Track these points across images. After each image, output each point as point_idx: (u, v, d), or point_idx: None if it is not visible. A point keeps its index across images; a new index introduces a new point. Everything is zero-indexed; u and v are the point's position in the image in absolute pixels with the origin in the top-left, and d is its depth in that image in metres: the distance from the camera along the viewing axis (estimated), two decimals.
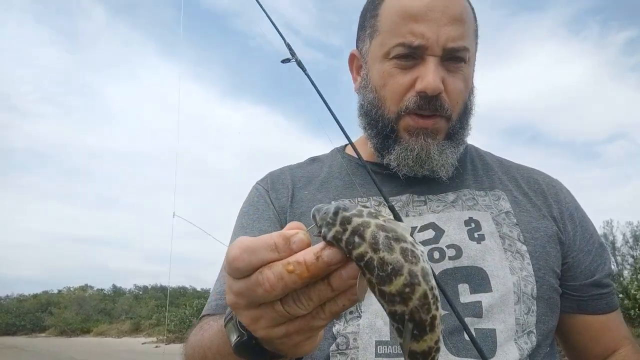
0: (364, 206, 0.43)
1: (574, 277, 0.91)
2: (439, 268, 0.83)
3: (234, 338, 0.53)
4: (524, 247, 0.87)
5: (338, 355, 0.79)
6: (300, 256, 0.42)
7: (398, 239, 0.40)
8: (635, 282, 9.93)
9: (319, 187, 0.97)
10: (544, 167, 1.05)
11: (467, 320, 0.79)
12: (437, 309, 0.40)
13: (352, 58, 1.02)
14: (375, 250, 0.39)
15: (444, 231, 0.87)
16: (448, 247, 0.85)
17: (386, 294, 0.40)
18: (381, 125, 0.91)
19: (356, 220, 0.40)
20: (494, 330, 0.79)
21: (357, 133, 1.03)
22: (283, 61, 0.97)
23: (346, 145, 1.08)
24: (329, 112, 0.87)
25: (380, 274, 0.39)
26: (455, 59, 0.87)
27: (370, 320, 0.80)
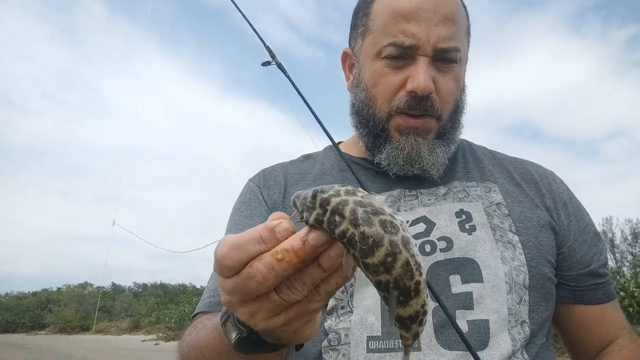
0: (342, 185, 0.44)
1: (570, 267, 0.92)
2: (430, 260, 0.84)
3: (233, 336, 0.53)
4: (516, 237, 0.87)
5: (330, 351, 0.80)
6: (287, 243, 0.43)
7: (376, 212, 0.41)
8: (635, 279, 9.94)
9: (312, 183, 0.98)
10: (544, 164, 1.05)
11: (459, 312, 0.80)
12: (420, 274, 0.42)
13: (344, 56, 1.02)
14: (356, 225, 0.40)
15: (435, 224, 0.87)
16: (439, 239, 0.86)
17: (370, 266, 0.41)
18: (372, 125, 0.92)
19: (334, 200, 0.42)
20: (487, 320, 0.79)
21: (352, 131, 1.03)
22: (264, 64, 0.97)
23: (340, 142, 1.08)
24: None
25: (363, 247, 0.40)
26: (446, 59, 0.87)
27: (362, 316, 0.80)
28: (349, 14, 1.01)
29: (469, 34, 0.95)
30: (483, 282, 0.82)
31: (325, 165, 1.01)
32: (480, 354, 0.74)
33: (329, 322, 0.82)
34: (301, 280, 0.44)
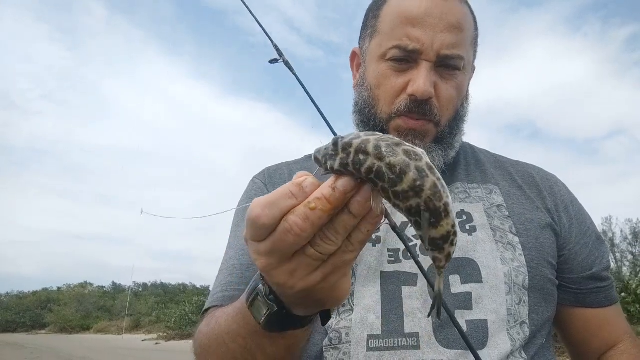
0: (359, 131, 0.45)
1: (571, 270, 0.92)
2: (430, 261, 0.84)
3: (263, 313, 0.55)
4: (516, 239, 0.88)
5: (331, 349, 0.80)
6: (319, 192, 0.45)
7: (398, 144, 0.43)
8: (636, 279, 9.94)
9: None
10: (544, 164, 1.07)
11: (458, 312, 0.80)
12: (447, 196, 0.43)
13: (353, 55, 1.04)
14: (381, 158, 0.42)
15: None
16: None
17: (400, 193, 0.43)
18: (373, 124, 0.92)
19: (356, 142, 0.44)
20: (486, 320, 0.80)
21: (352, 130, 1.04)
22: (271, 61, 0.97)
23: None
24: (323, 110, 0.88)
25: (391, 177, 0.42)
26: (449, 66, 0.88)
27: (362, 315, 0.81)
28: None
29: (476, 44, 0.95)
30: (482, 282, 0.82)
31: None
32: (479, 353, 0.75)
33: (330, 321, 0.82)
34: (334, 229, 0.46)
